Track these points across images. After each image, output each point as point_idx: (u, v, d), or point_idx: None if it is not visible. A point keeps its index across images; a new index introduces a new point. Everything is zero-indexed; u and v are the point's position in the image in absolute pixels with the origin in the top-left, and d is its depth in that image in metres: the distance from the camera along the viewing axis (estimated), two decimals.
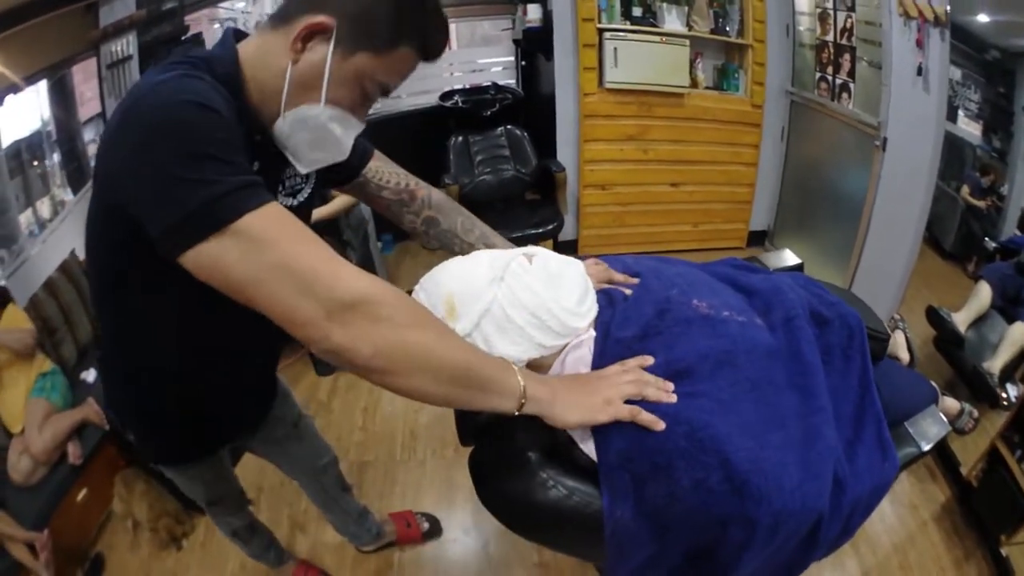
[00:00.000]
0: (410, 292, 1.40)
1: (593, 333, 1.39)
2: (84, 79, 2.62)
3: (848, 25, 3.49)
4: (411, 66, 1.12)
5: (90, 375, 2.49)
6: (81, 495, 2.39)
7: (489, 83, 4.66)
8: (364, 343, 0.93)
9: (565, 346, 1.40)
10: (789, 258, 2.51)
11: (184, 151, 0.89)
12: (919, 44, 2.83)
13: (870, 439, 1.54)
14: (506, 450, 1.40)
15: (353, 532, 2.28)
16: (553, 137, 4.27)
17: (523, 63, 4.75)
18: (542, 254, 1.44)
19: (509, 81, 4.82)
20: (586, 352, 1.39)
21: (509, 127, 4.40)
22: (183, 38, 2.97)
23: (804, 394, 1.44)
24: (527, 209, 4.24)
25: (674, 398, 1.21)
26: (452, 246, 1.56)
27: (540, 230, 3.96)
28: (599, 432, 1.34)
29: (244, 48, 1.09)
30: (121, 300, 1.20)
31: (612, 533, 1.31)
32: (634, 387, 1.17)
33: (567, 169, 4.20)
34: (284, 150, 1.15)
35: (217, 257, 0.90)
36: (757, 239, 4.89)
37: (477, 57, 4.95)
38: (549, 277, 1.38)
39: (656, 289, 1.48)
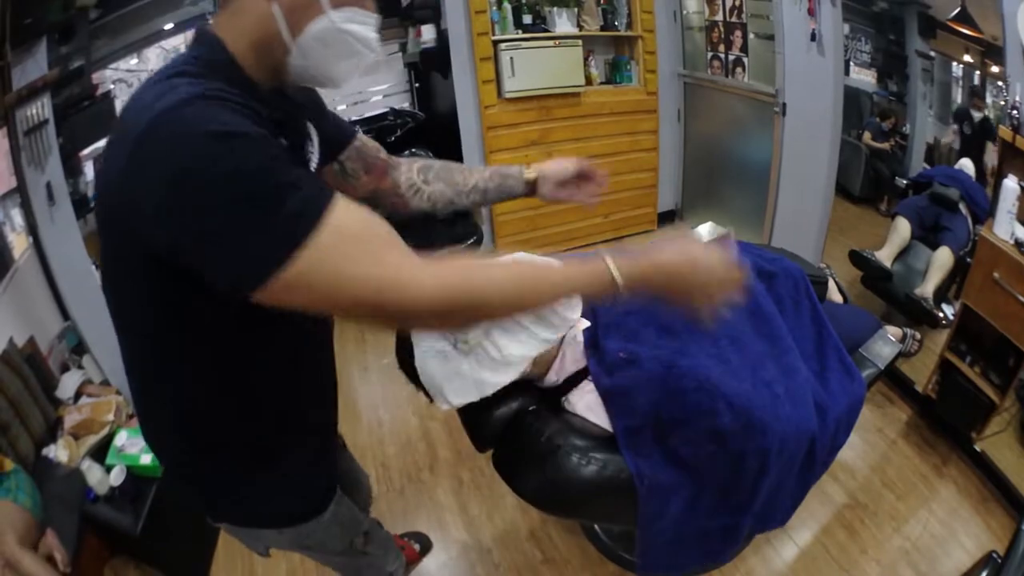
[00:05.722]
0: None
1: (585, 323, 1.50)
2: None
3: (737, 3, 3.72)
4: None
5: (51, 451, 2.37)
6: None
7: (387, 109, 4.65)
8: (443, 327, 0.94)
9: (563, 339, 1.50)
10: (716, 230, 2.67)
11: (224, 193, 0.81)
12: (811, 12, 3.04)
13: (835, 366, 1.73)
14: (533, 442, 1.46)
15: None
16: (459, 153, 4.30)
17: (417, 84, 4.77)
18: (526, 256, 1.53)
19: (403, 104, 4.83)
20: (580, 346, 1.50)
21: (414, 150, 4.40)
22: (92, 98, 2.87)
23: (771, 339, 1.62)
24: (445, 226, 4.25)
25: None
26: (453, 172, 1.50)
27: (462, 245, 3.98)
28: (613, 403, 1.44)
29: (219, 30, 1.00)
30: (210, 355, 1.08)
31: (645, 494, 1.41)
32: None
33: None
34: (312, 84, 1.11)
35: (282, 300, 0.86)
36: (667, 219, 5.11)
37: (361, 87, 4.89)
38: None
39: None
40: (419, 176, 1.47)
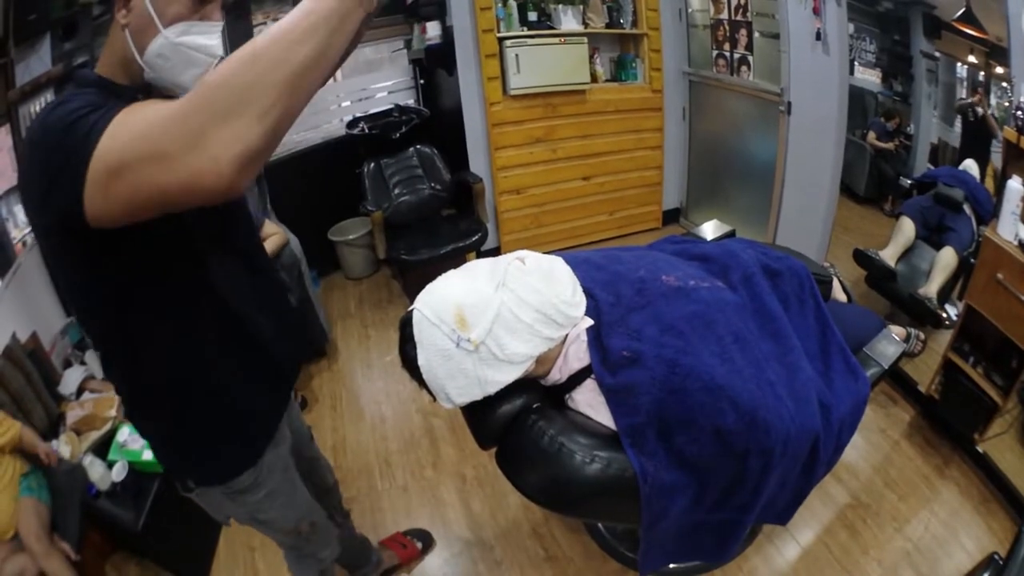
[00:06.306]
0: (410, 314, 1.45)
1: (589, 322, 1.49)
2: None
3: (743, 2, 3.72)
4: None
5: (53, 446, 2.38)
6: None
7: (392, 105, 4.65)
8: (243, 142, 0.83)
9: (565, 337, 1.50)
10: (720, 227, 2.67)
11: (59, 137, 0.93)
12: (816, 12, 3.04)
13: (839, 366, 1.73)
14: (536, 440, 1.46)
15: (357, 562, 2.25)
16: (464, 150, 4.30)
17: (422, 81, 4.77)
18: (531, 255, 1.53)
19: (408, 101, 4.82)
20: (583, 344, 1.49)
21: (419, 146, 4.40)
22: None
23: (776, 338, 1.62)
24: (448, 224, 4.26)
25: None
26: None
27: (466, 242, 3.97)
28: (617, 402, 1.44)
29: (97, 67, 1.16)
30: (133, 324, 1.21)
31: (648, 493, 1.41)
32: None
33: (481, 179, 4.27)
34: (169, 92, 1.18)
35: (105, 196, 0.92)
36: (672, 217, 5.11)
37: (366, 83, 4.87)
38: (544, 275, 1.46)
39: (625, 273, 1.60)
40: None
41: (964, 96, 2.61)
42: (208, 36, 1.14)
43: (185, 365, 1.29)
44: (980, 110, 2.55)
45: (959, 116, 2.66)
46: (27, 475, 2.22)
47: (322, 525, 1.79)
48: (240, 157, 0.82)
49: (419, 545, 2.46)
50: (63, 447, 2.37)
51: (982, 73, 2.49)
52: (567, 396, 1.57)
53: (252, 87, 0.82)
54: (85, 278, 1.14)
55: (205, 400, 1.36)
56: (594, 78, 4.41)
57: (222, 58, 1.14)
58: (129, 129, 0.89)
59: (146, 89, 1.18)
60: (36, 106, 2.52)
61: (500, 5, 3.97)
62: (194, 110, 0.83)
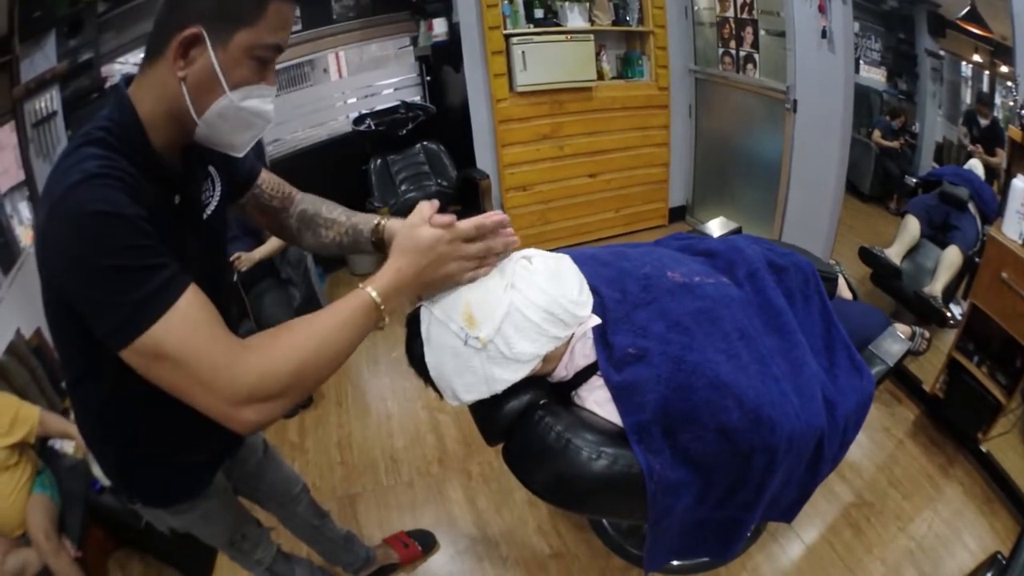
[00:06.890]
0: (418, 310, 1.45)
1: (596, 320, 1.49)
2: None
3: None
4: (288, 15, 1.12)
5: (57, 442, 2.40)
6: None
7: (398, 102, 4.65)
8: (266, 419, 1.07)
9: (572, 334, 1.50)
10: (726, 225, 2.67)
11: (101, 265, 0.98)
12: (821, 10, 3.05)
13: (844, 363, 1.72)
14: (543, 437, 1.46)
15: (345, 560, 2.25)
16: (470, 146, 4.31)
17: (428, 78, 4.77)
18: (538, 254, 1.52)
19: (414, 98, 4.82)
20: (589, 341, 1.49)
21: (425, 143, 4.40)
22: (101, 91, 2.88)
23: (781, 333, 1.61)
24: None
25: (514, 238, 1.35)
26: (318, 225, 1.58)
27: None
28: (623, 399, 1.44)
29: (135, 95, 1.11)
30: (101, 371, 1.25)
31: (654, 490, 1.41)
32: (469, 261, 1.30)
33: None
34: (216, 148, 1.21)
35: (139, 364, 1.02)
36: (677, 214, 5.11)
37: (372, 80, 4.88)
38: (552, 275, 1.46)
39: (631, 269, 1.60)
40: (296, 224, 1.61)
41: (968, 100, 2.62)
42: (265, 101, 1.15)
43: (145, 409, 1.30)
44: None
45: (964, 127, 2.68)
46: (40, 472, 2.24)
47: (252, 532, 1.85)
48: (267, 422, 1.08)
49: (420, 548, 2.46)
50: (67, 443, 2.38)
51: (987, 72, 2.49)
52: (573, 393, 1.57)
53: (298, 383, 1.08)
54: (65, 318, 1.15)
55: (159, 442, 1.42)
56: (600, 75, 4.43)
57: None
58: (190, 336, 1.01)
59: (183, 151, 1.21)
60: (40, 103, 2.53)
61: (506, 2, 3.98)
62: (249, 375, 1.03)
